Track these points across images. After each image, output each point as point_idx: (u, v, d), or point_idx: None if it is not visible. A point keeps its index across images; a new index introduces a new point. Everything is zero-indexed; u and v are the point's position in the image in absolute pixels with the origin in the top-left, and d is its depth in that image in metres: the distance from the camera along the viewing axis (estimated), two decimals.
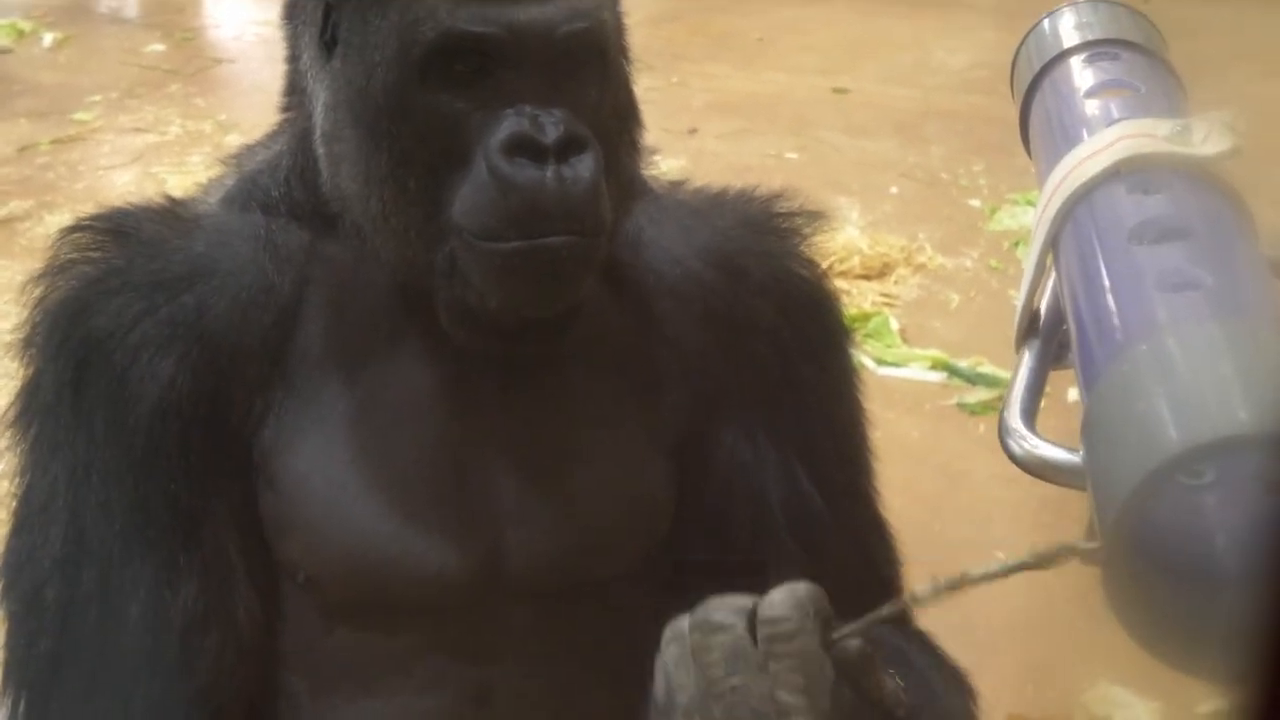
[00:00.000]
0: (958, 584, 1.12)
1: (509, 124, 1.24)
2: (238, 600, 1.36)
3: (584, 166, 1.24)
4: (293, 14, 1.41)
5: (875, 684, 1.11)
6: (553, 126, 1.24)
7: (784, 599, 1.08)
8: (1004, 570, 1.13)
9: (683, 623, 1.10)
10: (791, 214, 1.52)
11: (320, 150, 1.34)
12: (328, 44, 1.33)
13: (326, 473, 1.36)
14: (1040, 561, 1.11)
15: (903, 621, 1.45)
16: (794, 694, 1.06)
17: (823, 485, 1.48)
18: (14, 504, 1.39)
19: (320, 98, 1.34)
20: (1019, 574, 1.11)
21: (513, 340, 1.32)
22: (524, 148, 1.23)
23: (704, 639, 1.08)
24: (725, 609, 1.09)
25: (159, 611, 1.33)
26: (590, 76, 1.31)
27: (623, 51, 1.38)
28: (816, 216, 1.53)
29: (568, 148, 1.24)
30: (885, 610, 1.11)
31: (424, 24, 1.25)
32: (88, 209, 1.43)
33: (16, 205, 5.03)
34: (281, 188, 1.41)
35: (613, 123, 1.34)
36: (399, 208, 1.29)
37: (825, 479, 1.48)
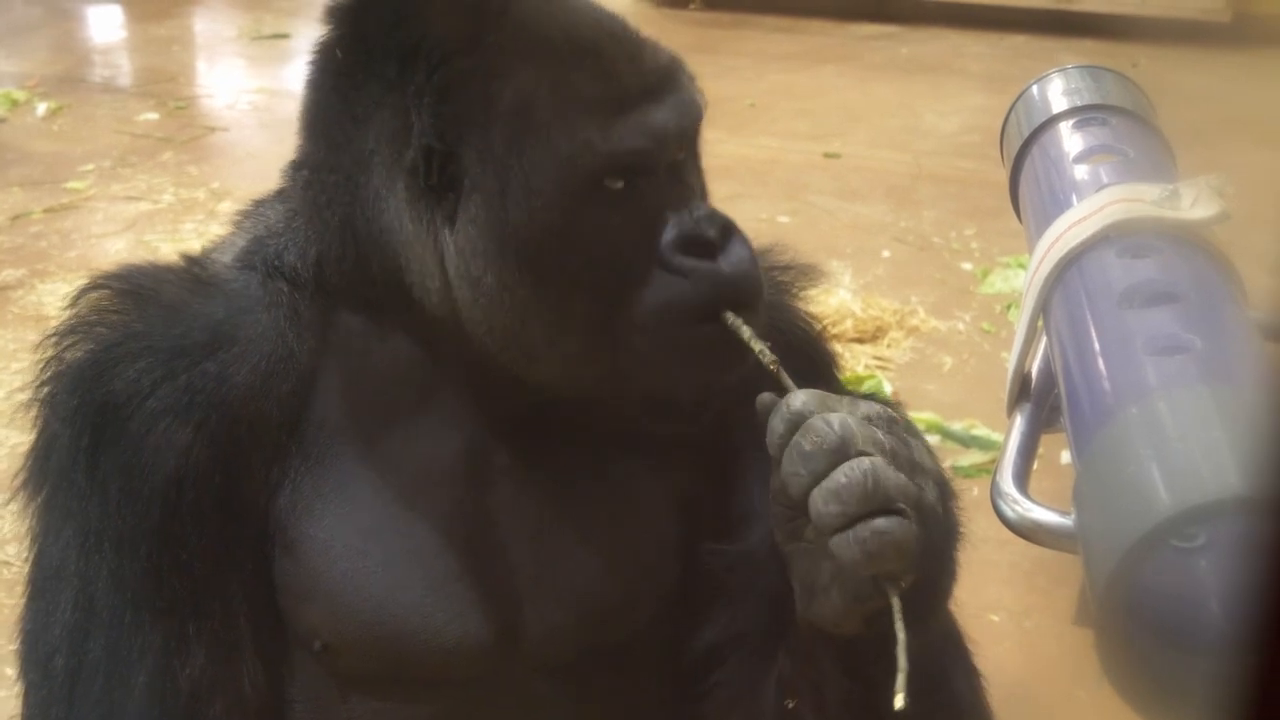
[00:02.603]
0: None
1: (673, 226, 1.32)
2: (244, 671, 1.36)
3: (745, 248, 1.32)
4: (343, 142, 1.36)
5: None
6: (706, 220, 1.32)
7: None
8: None
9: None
10: (784, 267, 1.55)
11: (464, 291, 1.32)
12: (434, 187, 1.31)
13: (347, 541, 1.36)
14: None
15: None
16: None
17: None
18: (28, 568, 1.39)
19: (445, 240, 1.32)
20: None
21: (691, 418, 1.38)
22: (696, 246, 1.30)
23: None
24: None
25: (165, 681, 1.33)
26: (693, 162, 1.38)
27: None
28: (807, 269, 1.58)
29: (725, 234, 1.31)
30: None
31: (582, 157, 1.28)
32: (80, 277, 1.43)
33: (9, 274, 5.02)
34: (310, 269, 1.40)
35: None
36: (567, 333, 1.31)
37: None
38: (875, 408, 1.22)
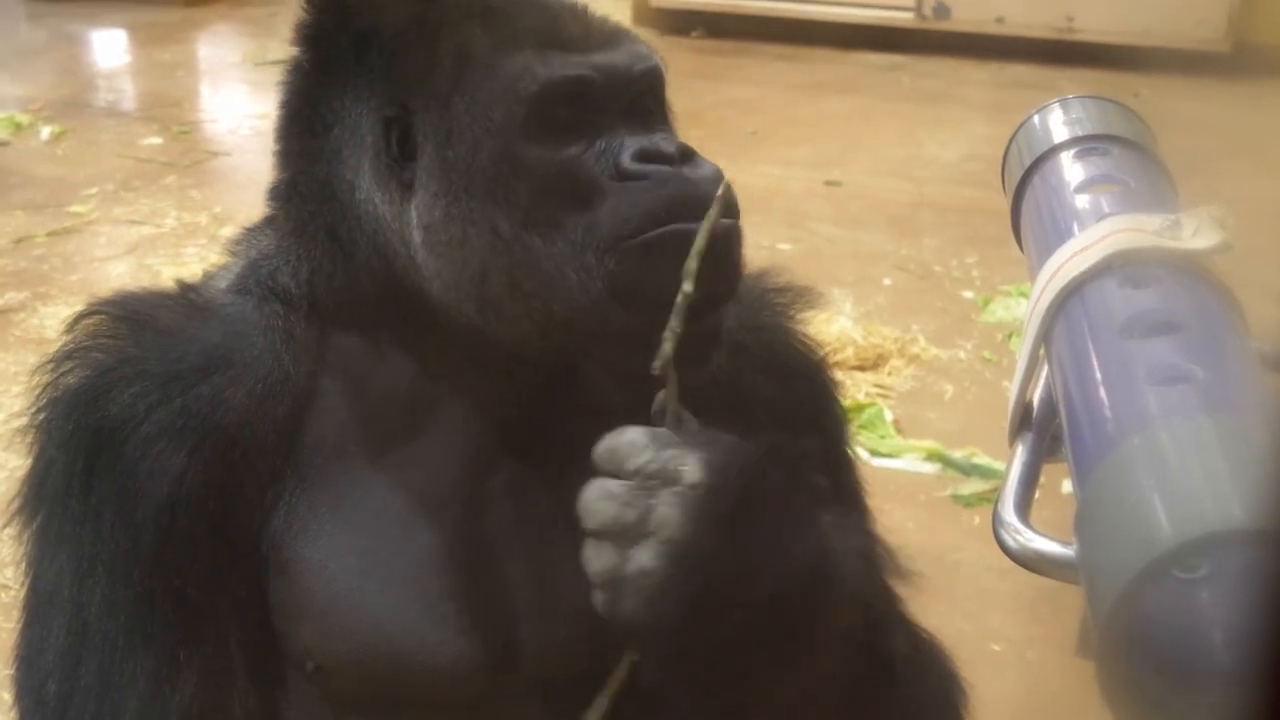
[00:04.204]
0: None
1: (631, 142, 1.29)
2: (235, 697, 1.35)
3: (707, 164, 1.30)
4: (310, 135, 1.38)
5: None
6: (664, 140, 1.30)
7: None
8: None
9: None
10: (782, 290, 1.55)
11: (424, 249, 1.32)
12: (396, 158, 1.32)
13: (343, 561, 1.36)
14: None
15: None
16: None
17: None
18: (24, 593, 1.39)
19: (410, 207, 1.32)
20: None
21: (700, 356, 1.31)
22: (652, 158, 1.28)
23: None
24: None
25: (156, 707, 1.32)
26: (660, 115, 1.37)
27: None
28: (805, 292, 1.56)
29: (684, 155, 1.29)
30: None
31: (520, 82, 1.28)
32: (82, 301, 1.43)
33: (11, 297, 5.04)
34: (303, 287, 1.40)
35: None
36: (526, 270, 1.29)
37: None
38: (663, 467, 1.17)
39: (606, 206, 1.28)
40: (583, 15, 1.35)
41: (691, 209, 1.26)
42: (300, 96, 1.40)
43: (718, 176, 1.28)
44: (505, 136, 1.28)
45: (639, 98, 1.34)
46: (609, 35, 1.35)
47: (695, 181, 1.28)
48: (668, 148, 1.29)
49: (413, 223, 1.32)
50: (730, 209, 1.28)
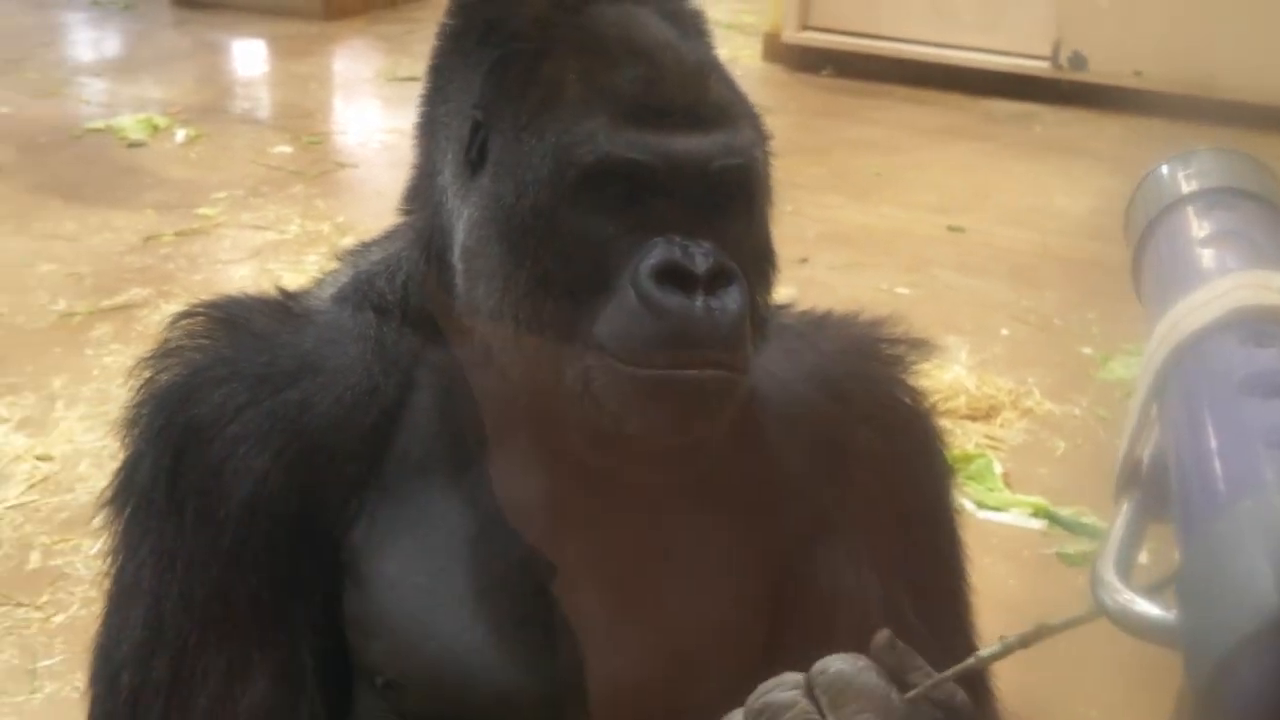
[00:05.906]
0: (1025, 642, 1.12)
1: (660, 251, 1.24)
2: (305, 702, 1.36)
3: (731, 299, 1.24)
4: (431, 126, 1.41)
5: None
6: (702, 257, 1.24)
7: (836, 657, 1.04)
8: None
9: (737, 716, 1.06)
10: (896, 340, 1.52)
11: (460, 265, 1.34)
12: (473, 162, 1.33)
13: (417, 579, 1.35)
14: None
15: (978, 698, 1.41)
16: None
17: (927, 617, 1.45)
18: (107, 583, 1.40)
19: (463, 214, 1.33)
20: None
21: (643, 465, 1.31)
22: (674, 276, 1.23)
23: None
24: (781, 687, 1.05)
25: (226, 705, 1.32)
26: (737, 211, 1.31)
27: (767, 192, 1.38)
28: (920, 343, 1.52)
29: (716, 279, 1.24)
30: (955, 670, 1.09)
31: (581, 147, 1.26)
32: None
33: (136, 293, 5.14)
34: (398, 292, 1.42)
35: (752, 260, 1.34)
36: (534, 328, 1.28)
37: (929, 611, 1.47)
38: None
39: (612, 308, 1.25)
40: (694, 80, 1.31)
41: (684, 354, 1.23)
42: (429, 89, 1.42)
43: (734, 322, 1.24)
44: (549, 193, 1.27)
45: (712, 189, 1.29)
46: (711, 113, 1.30)
47: (696, 326, 1.23)
48: (698, 268, 1.24)
49: (459, 231, 1.32)
50: (733, 358, 1.25)
